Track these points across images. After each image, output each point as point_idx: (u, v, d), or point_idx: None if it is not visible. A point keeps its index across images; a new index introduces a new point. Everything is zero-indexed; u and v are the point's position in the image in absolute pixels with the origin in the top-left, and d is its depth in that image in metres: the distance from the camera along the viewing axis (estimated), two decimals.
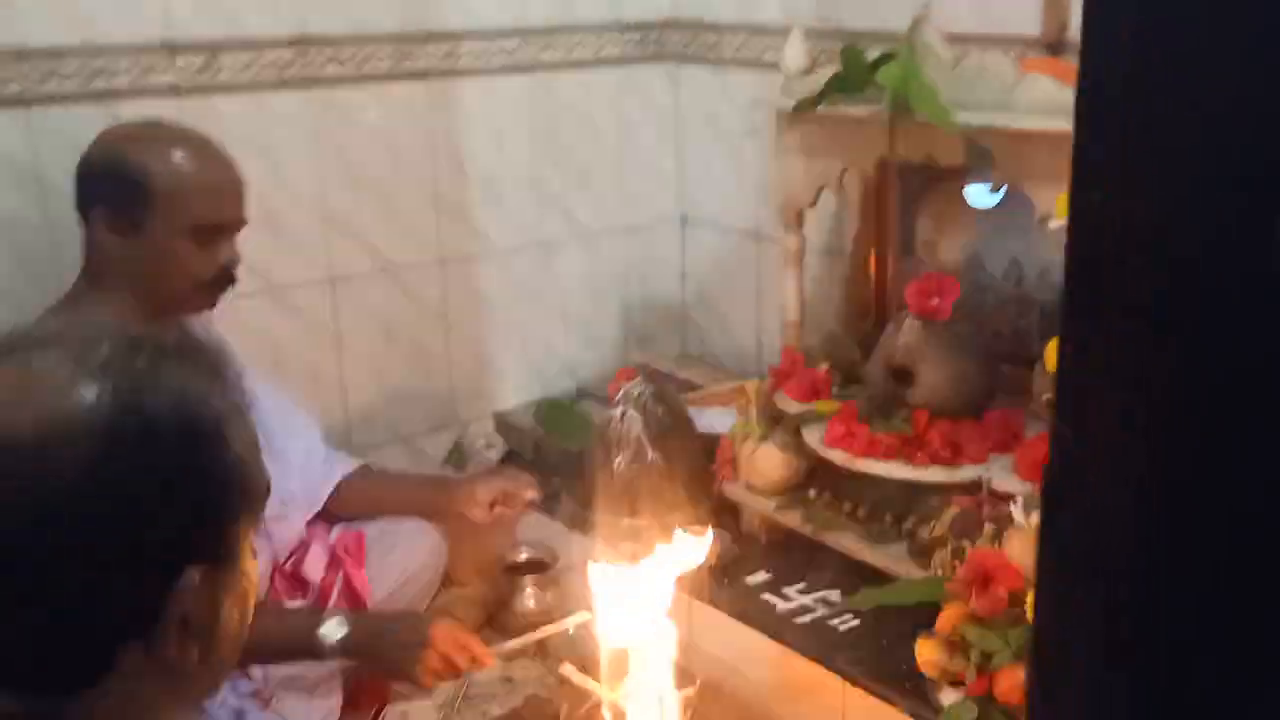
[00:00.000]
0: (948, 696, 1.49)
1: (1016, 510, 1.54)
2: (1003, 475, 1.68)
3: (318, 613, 1.75)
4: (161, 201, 1.60)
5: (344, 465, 2.02)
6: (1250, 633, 0.57)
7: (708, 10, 2.48)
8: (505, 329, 2.48)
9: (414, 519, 2.06)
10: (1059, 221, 1.48)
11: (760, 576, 1.88)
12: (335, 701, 1.85)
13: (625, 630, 1.64)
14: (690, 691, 1.63)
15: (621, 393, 2.08)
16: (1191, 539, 0.58)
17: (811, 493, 1.90)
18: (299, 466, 1.94)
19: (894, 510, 1.78)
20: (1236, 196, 0.53)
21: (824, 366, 2.04)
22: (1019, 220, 1.82)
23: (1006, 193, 1.82)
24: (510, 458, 2.42)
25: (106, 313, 1.58)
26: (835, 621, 1.75)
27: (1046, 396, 1.67)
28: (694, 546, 1.89)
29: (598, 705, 1.63)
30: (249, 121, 2.02)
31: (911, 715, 1.55)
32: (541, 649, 2.00)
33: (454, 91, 2.30)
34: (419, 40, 2.22)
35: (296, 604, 1.89)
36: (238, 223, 1.70)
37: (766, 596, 1.83)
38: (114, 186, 1.61)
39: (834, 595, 1.80)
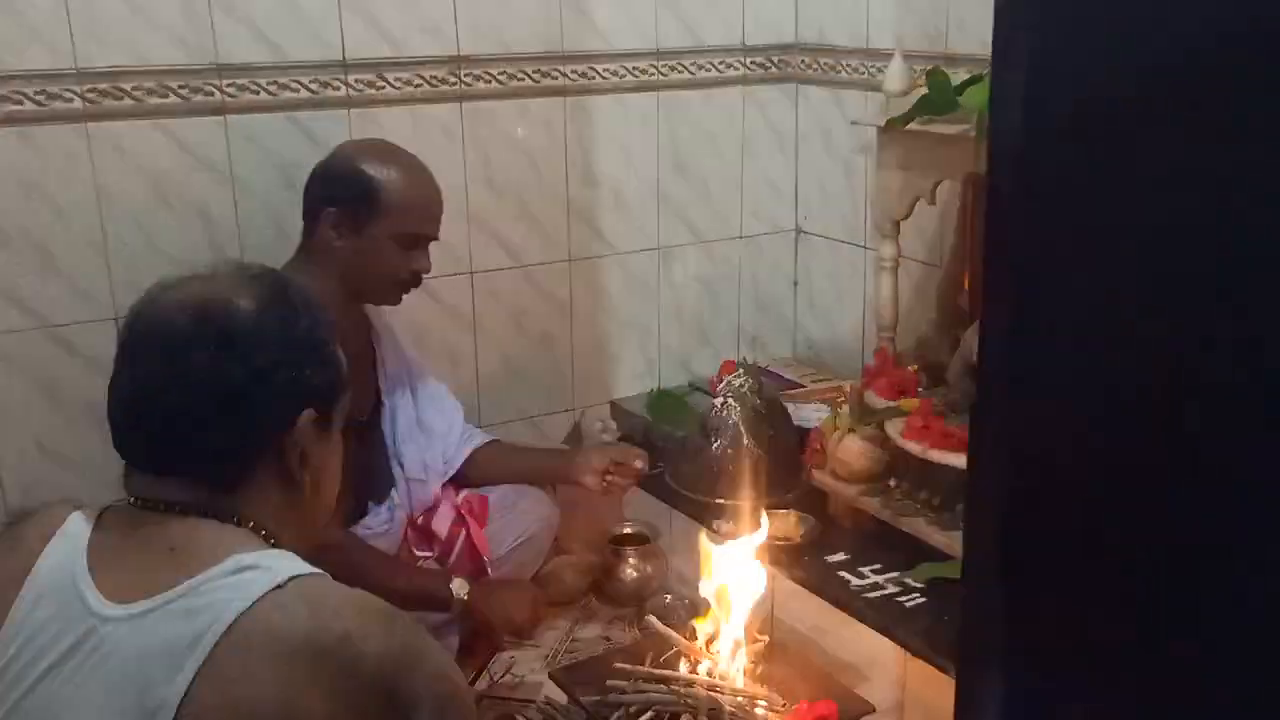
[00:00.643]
0: None
1: None
2: None
3: (447, 574, 2.05)
4: (385, 211, 1.94)
5: (477, 439, 2.29)
6: None
7: (826, 35, 2.66)
8: (624, 324, 2.71)
9: (534, 489, 2.31)
10: None
11: (839, 556, 2.04)
12: (452, 644, 2.10)
13: (712, 593, 1.84)
14: (760, 646, 1.81)
15: (723, 383, 2.29)
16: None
17: (891, 481, 2.05)
18: (441, 438, 2.22)
19: (963, 498, 1.91)
20: None
21: (913, 367, 2.19)
22: None
23: None
24: (623, 442, 2.64)
25: (315, 289, 1.88)
26: (903, 599, 1.89)
27: None
28: (779, 526, 2.08)
29: (678, 653, 1.82)
30: (407, 130, 2.30)
31: None
32: (639, 614, 2.22)
33: (588, 107, 2.54)
34: (559, 60, 2.47)
35: (425, 556, 2.15)
36: (435, 237, 2.04)
37: (843, 573, 1.99)
38: (348, 192, 1.94)
39: (905, 576, 1.95)
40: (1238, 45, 0.67)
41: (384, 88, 2.31)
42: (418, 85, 2.35)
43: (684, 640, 1.82)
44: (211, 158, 2.17)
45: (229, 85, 2.16)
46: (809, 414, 2.39)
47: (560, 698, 1.88)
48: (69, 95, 2.03)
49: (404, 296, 2.06)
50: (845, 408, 2.18)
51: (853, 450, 2.08)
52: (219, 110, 2.16)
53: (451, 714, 1.03)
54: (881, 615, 1.86)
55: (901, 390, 2.13)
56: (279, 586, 0.97)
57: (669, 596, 2.29)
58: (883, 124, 1.96)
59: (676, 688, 1.72)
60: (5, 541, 1.08)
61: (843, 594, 1.94)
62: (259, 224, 2.21)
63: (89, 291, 2.10)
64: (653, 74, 2.61)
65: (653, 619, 1.89)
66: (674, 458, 2.36)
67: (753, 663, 1.80)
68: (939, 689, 1.74)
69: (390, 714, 0.98)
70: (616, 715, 1.72)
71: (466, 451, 2.26)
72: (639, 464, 2.19)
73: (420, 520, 2.18)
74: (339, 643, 0.96)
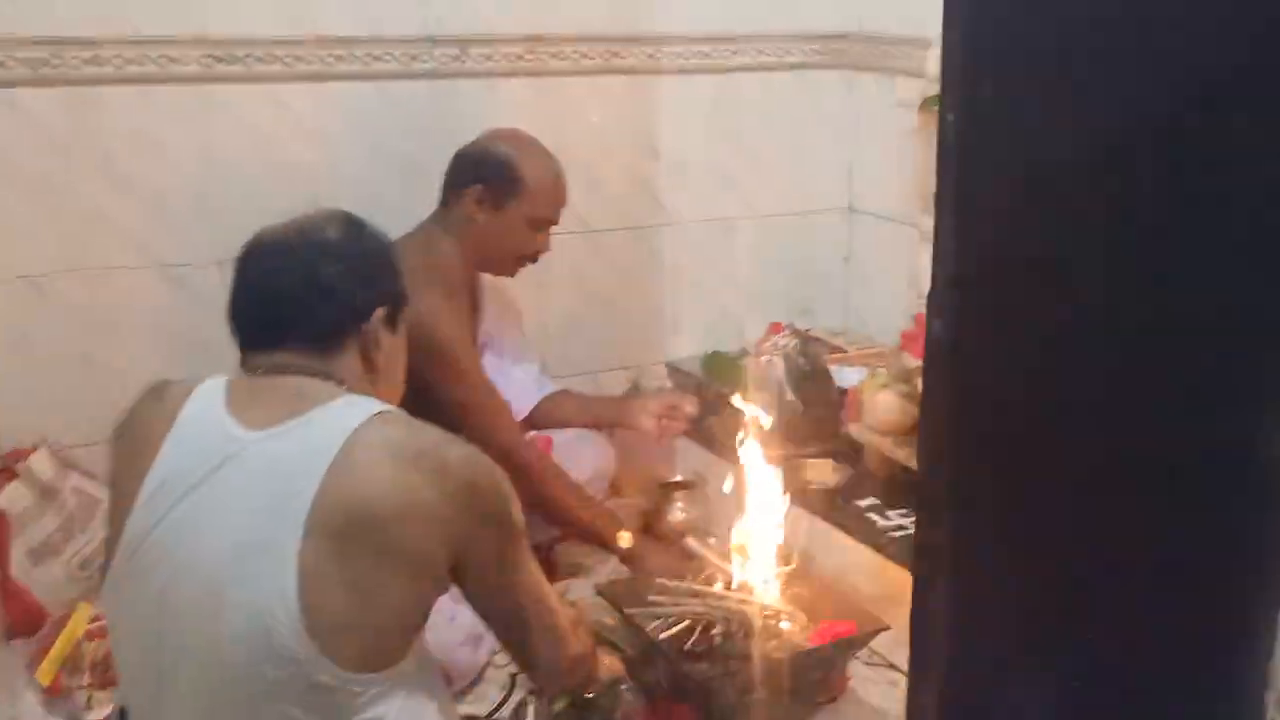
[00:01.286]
0: None
1: None
2: None
3: (620, 523, 2.26)
4: (525, 195, 2.18)
5: (548, 387, 2.51)
6: None
7: (882, 25, 2.81)
8: (682, 291, 2.89)
9: (594, 434, 2.51)
10: None
11: (869, 500, 2.20)
12: None
13: (750, 525, 2.01)
14: (789, 571, 1.97)
15: (770, 342, 2.45)
16: None
17: None
18: (518, 384, 2.44)
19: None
20: None
21: None
22: None
23: None
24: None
25: (447, 247, 2.19)
26: None
27: None
28: (817, 473, 2.24)
29: (714, 575, 1.99)
30: (485, 103, 2.50)
31: None
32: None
33: (654, 86, 2.73)
34: (628, 41, 2.66)
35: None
36: (557, 221, 2.27)
37: (871, 515, 2.15)
38: (496, 174, 2.17)
39: None
40: None
41: (466, 62, 2.52)
42: (497, 61, 2.55)
43: (718, 561, 1.99)
44: (308, 122, 2.40)
45: (328, 56, 2.39)
46: (850, 375, 2.54)
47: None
48: (187, 60, 2.27)
49: (519, 271, 2.29)
50: (883, 369, 2.33)
51: (889, 405, 2.24)
52: (317, 78, 2.39)
53: (508, 494, 1.33)
54: (903, 551, 2.01)
55: None
56: (380, 413, 1.27)
57: (713, 539, 2.45)
58: (919, 104, 2.12)
59: (710, 602, 1.89)
60: (153, 393, 1.34)
61: (870, 533, 2.10)
62: (348, 183, 2.43)
63: (196, 237, 2.34)
64: (716, 57, 2.78)
65: (691, 541, 2.07)
66: (725, 414, 2.52)
67: (782, 585, 1.96)
68: None
69: (471, 500, 1.28)
70: (654, 624, 1.89)
71: (538, 397, 2.47)
72: (690, 409, 2.37)
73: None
74: (433, 446, 1.27)
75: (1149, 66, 0.89)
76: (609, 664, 1.80)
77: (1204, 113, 0.92)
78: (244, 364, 1.34)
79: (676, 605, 1.91)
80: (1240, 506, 1.00)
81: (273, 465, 1.22)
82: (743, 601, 1.90)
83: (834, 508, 2.20)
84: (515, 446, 2.13)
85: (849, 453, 2.35)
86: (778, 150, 2.92)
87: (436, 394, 2.00)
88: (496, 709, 1.96)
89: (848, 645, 1.87)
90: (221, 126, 2.33)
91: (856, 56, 2.89)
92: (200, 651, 1.22)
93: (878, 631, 1.86)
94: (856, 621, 1.86)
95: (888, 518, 2.13)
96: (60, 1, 2.17)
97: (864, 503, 2.20)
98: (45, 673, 1.90)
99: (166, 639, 1.24)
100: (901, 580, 2.01)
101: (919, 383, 2.21)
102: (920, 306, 2.44)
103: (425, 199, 2.22)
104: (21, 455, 2.18)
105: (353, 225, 1.41)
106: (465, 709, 1.93)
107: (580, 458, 2.45)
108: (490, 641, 1.90)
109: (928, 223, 2.38)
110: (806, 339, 2.50)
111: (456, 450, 1.29)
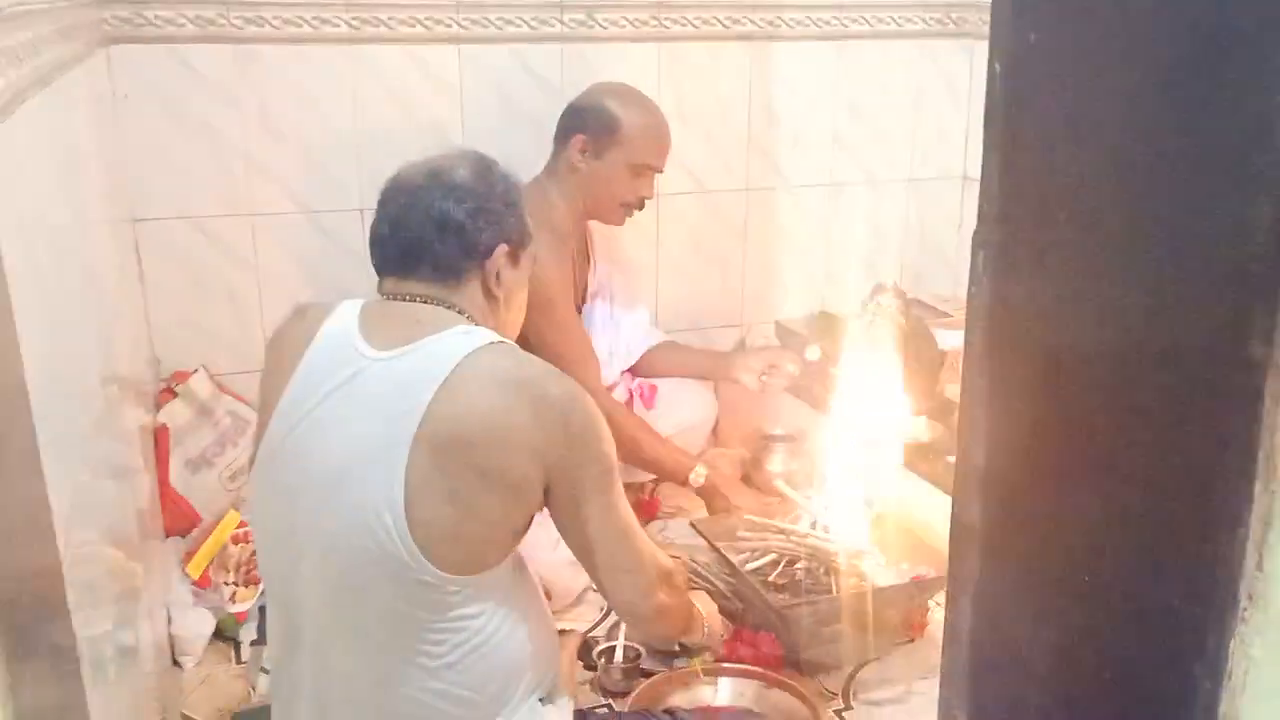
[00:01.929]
0: None
1: None
2: None
3: (694, 460, 2.41)
4: (623, 141, 2.32)
5: (655, 338, 2.63)
6: None
7: None
8: (794, 251, 2.98)
9: (699, 384, 2.63)
10: None
11: None
12: None
13: (841, 472, 2.11)
14: (875, 514, 2.06)
15: (873, 302, 2.53)
16: None
17: None
18: (628, 332, 2.57)
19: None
20: None
21: None
22: None
23: None
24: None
25: (555, 196, 2.34)
26: None
27: None
28: (914, 429, 2.32)
29: (800, 516, 2.10)
30: (612, 66, 2.63)
31: None
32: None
33: (773, 53, 2.81)
34: (748, 8, 2.76)
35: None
36: (660, 169, 2.40)
37: None
38: (596, 122, 2.32)
39: None
40: None
41: (593, 27, 2.66)
42: (622, 26, 2.68)
43: (807, 502, 2.09)
44: (446, 81, 2.58)
45: (465, 19, 2.55)
46: (952, 338, 2.59)
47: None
48: (337, 21, 2.47)
49: (625, 219, 2.41)
50: None
51: None
52: (455, 40, 2.56)
53: (600, 431, 1.41)
54: None
55: None
56: (492, 343, 1.39)
57: (808, 490, 2.55)
58: None
59: (795, 539, 2.00)
60: (298, 314, 1.51)
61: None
62: (481, 140, 2.59)
63: (342, 186, 2.55)
64: (835, 25, 2.85)
65: (782, 483, 2.18)
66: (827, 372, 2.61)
67: (868, 528, 2.06)
68: None
69: (566, 431, 1.37)
70: (741, 557, 2.01)
71: (645, 347, 2.60)
72: (792, 366, 2.47)
73: None
74: (536, 378, 1.39)
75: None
76: (705, 614, 1.84)
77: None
78: (379, 289, 1.49)
79: (764, 541, 2.03)
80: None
81: (391, 383, 1.35)
82: (827, 540, 2.00)
83: (924, 460, 2.27)
84: (596, 395, 2.26)
85: (946, 412, 2.41)
86: (895, 117, 2.98)
87: (533, 335, 2.15)
88: (593, 628, 2.11)
89: (925, 586, 1.95)
90: (367, 83, 2.52)
91: (976, 25, 2.92)
92: (321, 543, 1.37)
93: None
94: (936, 567, 1.94)
95: None
96: None
97: (953, 458, 2.25)
98: (196, 567, 2.14)
99: (297, 530, 1.40)
100: None
101: None
102: None
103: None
104: (182, 377, 2.43)
105: (482, 164, 1.52)
106: (564, 624, 2.09)
107: (683, 405, 2.59)
108: None
109: None
110: (910, 301, 2.56)
111: (557, 383, 1.39)
